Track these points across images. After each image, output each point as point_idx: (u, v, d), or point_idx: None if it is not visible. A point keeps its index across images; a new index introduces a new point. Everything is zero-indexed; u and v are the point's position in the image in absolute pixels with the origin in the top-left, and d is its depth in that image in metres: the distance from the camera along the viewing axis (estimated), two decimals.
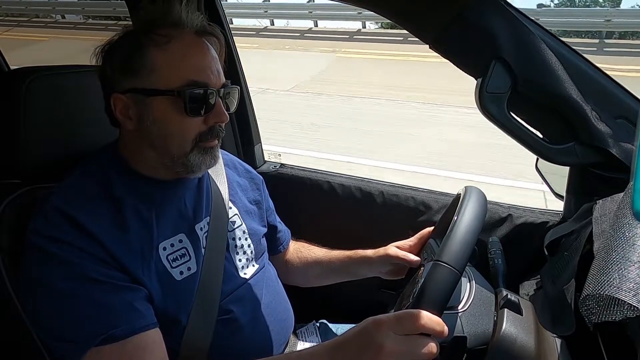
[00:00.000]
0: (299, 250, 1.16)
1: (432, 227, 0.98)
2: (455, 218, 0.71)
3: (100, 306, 0.68)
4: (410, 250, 0.98)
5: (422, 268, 0.88)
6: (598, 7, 12.77)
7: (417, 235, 1.00)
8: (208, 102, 0.77)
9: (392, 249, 0.99)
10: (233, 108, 0.84)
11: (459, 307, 0.76)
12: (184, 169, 0.80)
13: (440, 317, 0.59)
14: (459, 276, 0.64)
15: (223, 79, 0.80)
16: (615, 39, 9.66)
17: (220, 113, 0.78)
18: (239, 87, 0.85)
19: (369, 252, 1.03)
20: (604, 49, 8.76)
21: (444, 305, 0.62)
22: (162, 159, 0.79)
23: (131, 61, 0.75)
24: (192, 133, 0.78)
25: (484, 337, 0.74)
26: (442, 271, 0.63)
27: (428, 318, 0.57)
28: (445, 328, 0.58)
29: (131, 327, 0.68)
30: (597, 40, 9.36)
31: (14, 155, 0.81)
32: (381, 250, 1.01)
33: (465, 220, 0.69)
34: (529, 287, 0.93)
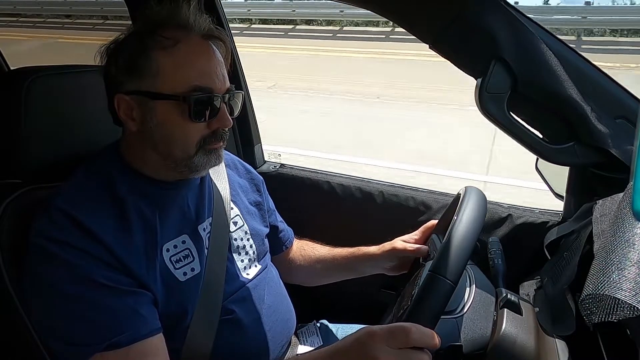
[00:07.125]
0: (302, 248, 1.16)
1: (436, 221, 0.99)
2: (455, 218, 0.71)
3: (104, 311, 0.67)
4: (415, 244, 0.99)
5: (422, 268, 0.88)
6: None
7: (422, 229, 1.01)
8: (212, 107, 0.76)
9: (399, 242, 1.00)
10: (237, 112, 0.84)
11: (457, 311, 0.76)
12: (187, 169, 0.80)
13: (433, 329, 0.60)
14: (454, 288, 0.64)
15: (228, 84, 0.80)
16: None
17: (224, 118, 0.78)
18: (243, 92, 0.85)
19: (373, 249, 1.04)
20: None
21: (438, 317, 0.63)
22: (165, 161, 0.79)
23: (136, 63, 0.74)
24: (196, 137, 0.77)
25: (481, 342, 0.74)
26: (437, 283, 0.63)
27: (421, 332, 0.58)
28: (438, 340, 0.59)
29: (135, 333, 0.68)
30: None
31: (15, 155, 0.81)
32: (387, 245, 1.01)
33: (462, 226, 0.69)
34: (529, 287, 0.93)
